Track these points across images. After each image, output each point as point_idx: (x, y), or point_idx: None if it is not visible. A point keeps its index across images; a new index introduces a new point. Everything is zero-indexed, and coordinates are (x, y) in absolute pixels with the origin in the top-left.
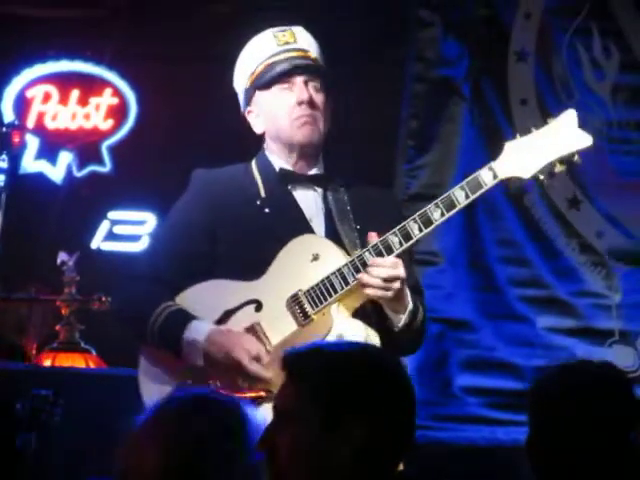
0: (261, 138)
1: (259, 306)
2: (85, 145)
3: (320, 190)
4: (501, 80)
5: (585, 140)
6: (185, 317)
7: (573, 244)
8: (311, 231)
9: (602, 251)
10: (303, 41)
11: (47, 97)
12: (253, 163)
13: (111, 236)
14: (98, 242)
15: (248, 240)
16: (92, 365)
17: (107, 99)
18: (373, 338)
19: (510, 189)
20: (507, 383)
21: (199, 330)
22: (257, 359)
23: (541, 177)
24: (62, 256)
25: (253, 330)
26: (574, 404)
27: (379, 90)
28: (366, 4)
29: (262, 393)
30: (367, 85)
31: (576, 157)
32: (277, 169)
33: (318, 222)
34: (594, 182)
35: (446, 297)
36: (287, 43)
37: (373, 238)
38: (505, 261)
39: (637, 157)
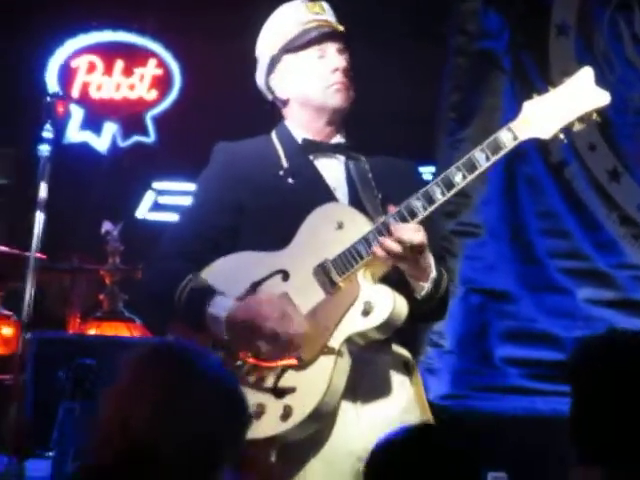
0: (276, 108)
1: (286, 276)
2: (129, 115)
3: (342, 158)
4: (542, 54)
5: (603, 98)
6: (208, 292)
7: (613, 217)
8: (335, 200)
9: None
10: (330, 15)
11: (92, 67)
12: (273, 134)
13: (156, 206)
14: (144, 212)
15: (272, 211)
16: (136, 334)
17: (151, 70)
18: (400, 303)
19: (551, 160)
20: (547, 354)
21: (221, 306)
22: (283, 317)
23: (561, 136)
24: (106, 226)
25: (282, 300)
26: (621, 377)
27: (421, 63)
28: None
29: (293, 361)
30: (409, 58)
31: (594, 115)
32: (299, 139)
33: (342, 191)
34: (634, 155)
35: (487, 269)
36: (317, 13)
37: (392, 208)
38: (545, 233)
39: None
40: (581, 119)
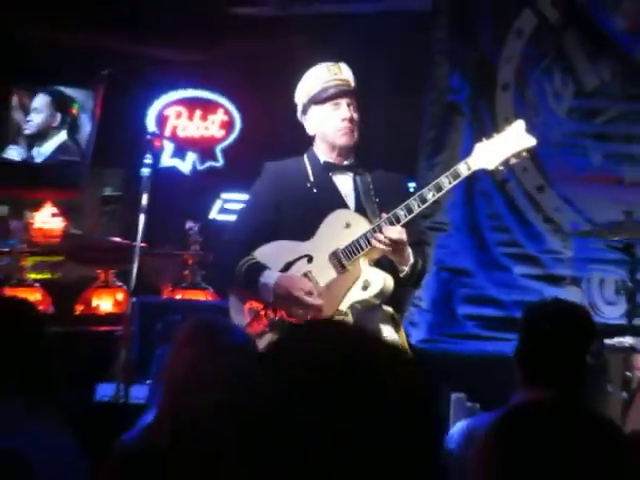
0: (311, 138)
1: (310, 259)
2: (205, 148)
3: (351, 175)
4: (491, 103)
5: (530, 141)
6: (260, 267)
7: (540, 217)
8: (345, 206)
9: (560, 223)
10: (346, 73)
11: (178, 115)
12: (305, 156)
13: (223, 210)
14: (214, 214)
15: (302, 212)
16: (209, 298)
17: (220, 116)
18: (389, 281)
19: (497, 178)
20: (494, 312)
21: (270, 277)
22: (309, 293)
23: (501, 168)
24: (189, 224)
25: (307, 276)
26: (554, 328)
27: (408, 110)
28: (398, 55)
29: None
30: (400, 107)
31: (524, 153)
32: (322, 161)
33: (350, 199)
34: (554, 175)
35: (452, 254)
36: (335, 73)
37: (385, 215)
38: (493, 229)
39: (584, 157)
40: (515, 156)
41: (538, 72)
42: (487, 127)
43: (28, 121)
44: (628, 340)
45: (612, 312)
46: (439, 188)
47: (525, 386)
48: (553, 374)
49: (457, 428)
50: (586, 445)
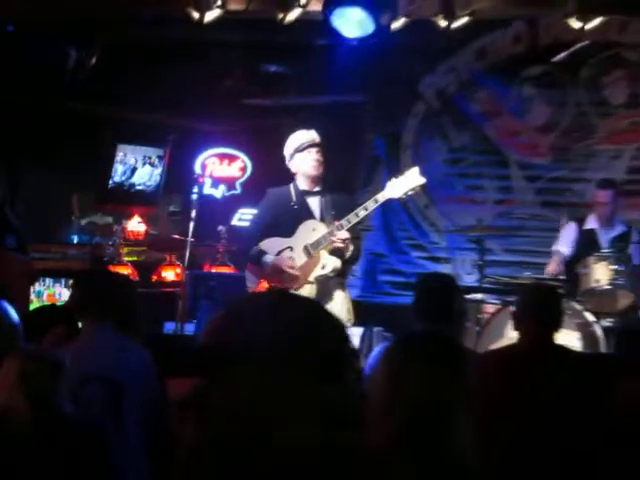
0: (294, 174)
1: (291, 249)
2: (230, 183)
3: (318, 197)
4: (398, 157)
5: (422, 180)
6: (262, 253)
7: (427, 223)
8: (313, 217)
9: (439, 226)
10: (315, 135)
11: (214, 163)
12: (291, 185)
13: (240, 219)
14: (235, 222)
15: (287, 221)
16: (232, 271)
17: (239, 164)
18: (338, 262)
19: (403, 201)
20: (400, 279)
21: (268, 258)
22: (292, 267)
23: (403, 197)
24: (219, 227)
25: (290, 259)
26: (436, 288)
27: (351, 159)
28: (345, 126)
29: (296, 285)
30: (346, 157)
31: (418, 188)
32: (301, 189)
33: (317, 212)
34: (435, 198)
35: (375, 244)
36: (309, 135)
37: (336, 222)
38: (399, 229)
39: (453, 187)
40: (412, 190)
41: (426, 137)
42: (395, 171)
43: (125, 165)
44: (479, 296)
45: (469, 279)
46: (366, 208)
47: (418, 322)
48: (432, 315)
49: (374, 352)
50: (444, 361)
